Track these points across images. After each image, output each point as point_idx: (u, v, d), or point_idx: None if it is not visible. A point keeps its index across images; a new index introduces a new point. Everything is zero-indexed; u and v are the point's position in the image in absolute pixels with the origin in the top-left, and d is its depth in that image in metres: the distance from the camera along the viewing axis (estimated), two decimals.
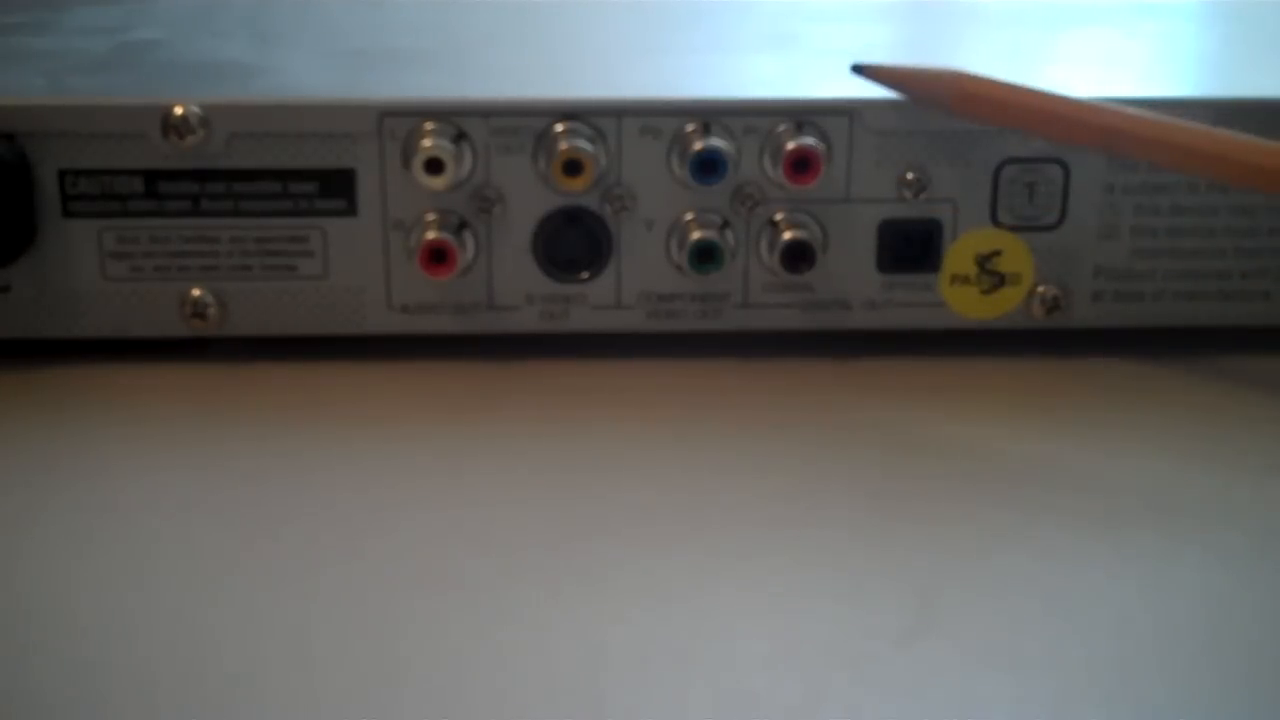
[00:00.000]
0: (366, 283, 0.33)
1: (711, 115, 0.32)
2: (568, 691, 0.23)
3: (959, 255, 0.33)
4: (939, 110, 0.32)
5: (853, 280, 0.33)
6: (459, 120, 0.32)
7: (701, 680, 0.23)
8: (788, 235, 0.32)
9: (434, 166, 0.31)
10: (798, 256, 0.32)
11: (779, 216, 0.33)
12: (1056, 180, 0.33)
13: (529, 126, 0.32)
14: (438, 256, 0.32)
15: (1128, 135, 0.30)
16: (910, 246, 0.33)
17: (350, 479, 0.29)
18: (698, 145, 0.32)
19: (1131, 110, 0.31)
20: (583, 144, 0.32)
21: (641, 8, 0.43)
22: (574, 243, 0.33)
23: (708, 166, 0.32)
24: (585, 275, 0.33)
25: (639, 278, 0.33)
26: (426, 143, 0.31)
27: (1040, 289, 0.33)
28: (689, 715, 0.22)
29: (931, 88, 0.32)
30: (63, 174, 0.32)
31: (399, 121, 0.32)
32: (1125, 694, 0.23)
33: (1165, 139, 0.30)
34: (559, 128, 0.32)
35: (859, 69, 0.32)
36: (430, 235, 0.32)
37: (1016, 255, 0.33)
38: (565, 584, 0.25)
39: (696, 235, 0.32)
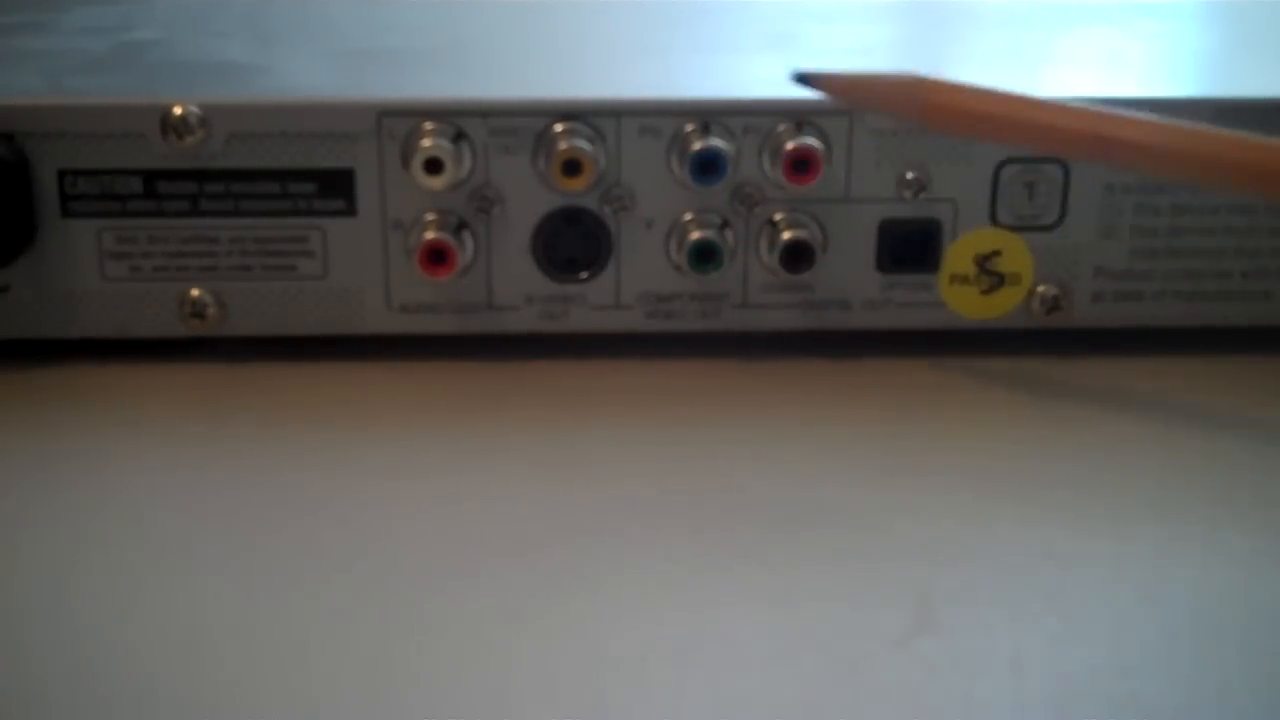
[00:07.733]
0: (366, 283, 0.33)
1: (711, 115, 0.32)
2: (568, 691, 0.23)
3: (959, 255, 0.33)
4: (903, 121, 0.29)
5: (852, 280, 0.33)
6: (458, 120, 0.32)
7: (701, 680, 0.23)
8: (787, 235, 0.32)
9: (433, 166, 0.31)
10: (797, 256, 0.32)
11: (778, 216, 0.33)
12: (1056, 180, 0.33)
13: (528, 126, 0.32)
14: (437, 256, 0.32)
15: (1115, 140, 0.28)
16: (910, 246, 0.33)
17: (350, 479, 0.29)
18: (697, 145, 0.32)
19: (1118, 111, 0.28)
20: (582, 144, 0.32)
21: (641, 8, 0.43)
22: (574, 243, 0.33)
23: (707, 166, 0.32)
24: (585, 275, 0.33)
25: (638, 278, 0.33)
26: (426, 143, 0.31)
27: (1040, 289, 0.33)
28: (689, 715, 0.22)
29: (888, 98, 0.29)
30: (62, 174, 0.32)
31: (398, 121, 0.32)
32: (1125, 694, 0.23)
33: (1157, 141, 0.28)
34: (558, 128, 0.32)
35: (803, 78, 0.29)
36: (430, 235, 0.32)
37: (1016, 255, 0.33)
38: (565, 584, 0.25)
39: (696, 235, 0.32)
